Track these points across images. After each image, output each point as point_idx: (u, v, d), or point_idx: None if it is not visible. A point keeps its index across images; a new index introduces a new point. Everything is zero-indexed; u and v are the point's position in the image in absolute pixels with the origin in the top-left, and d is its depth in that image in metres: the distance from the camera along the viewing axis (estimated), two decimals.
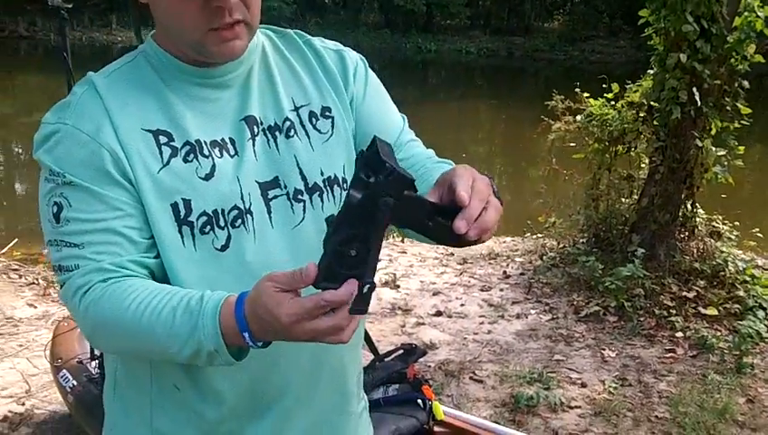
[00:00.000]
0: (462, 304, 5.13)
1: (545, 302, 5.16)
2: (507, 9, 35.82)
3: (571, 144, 6.20)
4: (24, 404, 3.68)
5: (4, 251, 6.38)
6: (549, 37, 33.56)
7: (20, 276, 5.70)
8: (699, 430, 3.61)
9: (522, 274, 5.73)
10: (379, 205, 0.99)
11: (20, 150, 13.73)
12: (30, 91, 19.68)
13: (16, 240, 6.76)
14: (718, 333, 4.60)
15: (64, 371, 3.27)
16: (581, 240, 5.86)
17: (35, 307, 4.99)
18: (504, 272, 5.79)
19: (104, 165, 1.17)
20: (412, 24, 32.42)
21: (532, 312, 5.01)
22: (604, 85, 5.69)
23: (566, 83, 6.64)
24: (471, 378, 4.09)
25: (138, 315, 1.12)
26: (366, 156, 1.00)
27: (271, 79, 1.33)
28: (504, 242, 6.84)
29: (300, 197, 1.30)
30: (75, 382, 3.20)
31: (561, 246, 5.99)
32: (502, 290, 5.43)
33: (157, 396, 1.31)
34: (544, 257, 5.90)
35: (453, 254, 6.16)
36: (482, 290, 5.43)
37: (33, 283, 5.52)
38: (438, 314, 4.95)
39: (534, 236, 6.70)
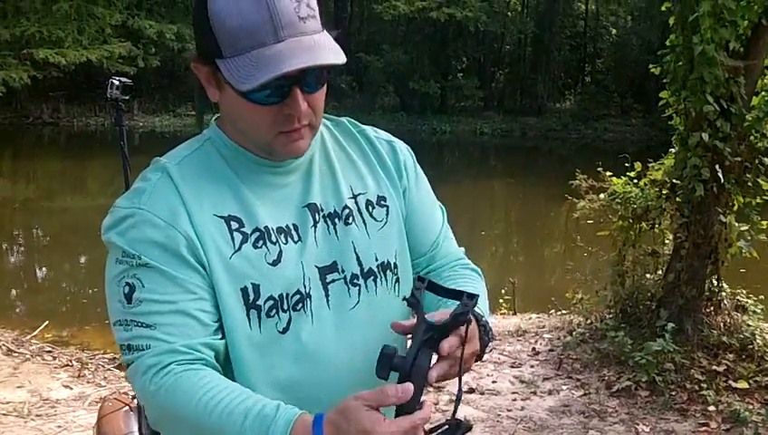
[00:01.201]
0: (493, 381, 5.16)
1: (576, 377, 5.18)
2: (520, 90, 36.43)
3: (589, 221, 6.32)
4: None
5: (35, 334, 6.47)
6: (561, 117, 33.99)
7: (54, 358, 5.77)
8: None
9: (551, 350, 5.76)
10: (466, 320, 1.18)
11: (41, 234, 13.96)
12: (51, 176, 20.03)
13: (47, 323, 6.86)
14: (750, 407, 4.60)
15: None
16: (609, 316, 5.90)
17: (71, 389, 5.04)
18: (534, 348, 5.82)
19: (179, 249, 1.23)
20: (427, 107, 32.97)
21: (564, 388, 5.04)
22: (627, 164, 5.83)
23: (580, 162, 6.81)
24: None
25: (208, 410, 1.16)
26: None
27: (331, 168, 1.41)
28: (530, 319, 6.88)
29: (356, 281, 1.37)
30: None
31: (589, 321, 6.03)
32: (532, 366, 5.46)
33: None
34: (573, 333, 5.93)
35: None
36: (512, 367, 5.46)
37: (68, 364, 5.59)
38: (471, 391, 4.98)
39: (560, 313, 6.75)
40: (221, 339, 1.26)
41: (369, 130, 1.50)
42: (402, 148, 1.50)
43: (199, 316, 1.23)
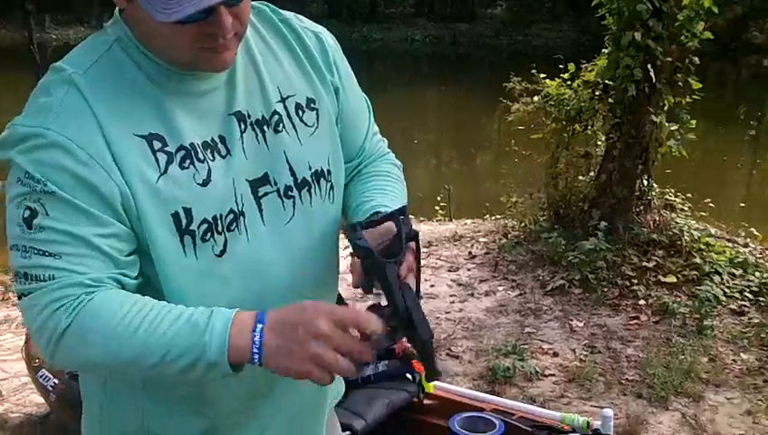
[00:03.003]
0: (431, 285, 5.22)
1: (512, 279, 5.28)
2: None
3: (521, 127, 6.32)
4: None
5: None
6: (493, 23, 33.78)
7: None
8: (667, 388, 3.77)
9: (487, 253, 5.84)
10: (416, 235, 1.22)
11: None
12: None
13: None
14: (678, 299, 4.77)
15: (43, 370, 3.16)
16: (542, 218, 5.99)
17: None
18: (470, 252, 5.89)
19: (92, 179, 1.10)
20: (356, 14, 32.37)
21: (500, 289, 5.13)
22: (561, 66, 5.81)
23: (512, 68, 6.76)
24: (447, 354, 4.19)
25: (135, 323, 1.08)
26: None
27: (256, 68, 1.28)
28: (466, 224, 6.95)
29: (290, 193, 1.28)
30: (57, 381, 3.09)
31: (523, 224, 6.11)
32: (469, 270, 5.54)
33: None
34: (508, 236, 6.02)
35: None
36: (449, 271, 5.53)
37: None
38: None
39: (494, 217, 6.83)
40: (134, 279, 1.16)
41: (293, 18, 1.36)
42: (329, 40, 1.39)
43: (108, 251, 1.11)
